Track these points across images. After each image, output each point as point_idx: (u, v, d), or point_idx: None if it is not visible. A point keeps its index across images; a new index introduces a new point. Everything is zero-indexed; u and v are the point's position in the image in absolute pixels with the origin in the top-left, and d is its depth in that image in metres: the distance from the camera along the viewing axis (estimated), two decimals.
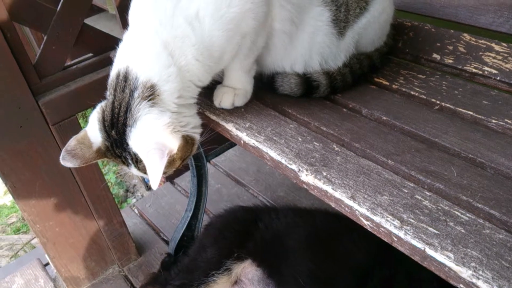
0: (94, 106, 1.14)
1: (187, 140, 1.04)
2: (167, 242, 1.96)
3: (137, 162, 1.05)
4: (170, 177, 2.41)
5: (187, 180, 2.31)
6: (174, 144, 1.00)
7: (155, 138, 0.98)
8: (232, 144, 2.32)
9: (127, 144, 1.04)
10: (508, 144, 1.03)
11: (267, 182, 2.23)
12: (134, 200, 2.81)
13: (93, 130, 1.11)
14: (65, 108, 1.46)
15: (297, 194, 2.12)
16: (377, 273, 1.44)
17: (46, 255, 1.90)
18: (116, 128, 1.04)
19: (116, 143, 1.06)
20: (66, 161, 1.10)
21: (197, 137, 1.09)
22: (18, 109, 1.39)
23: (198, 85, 1.09)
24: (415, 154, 1.02)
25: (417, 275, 1.42)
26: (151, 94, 0.99)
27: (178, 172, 2.36)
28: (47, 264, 1.95)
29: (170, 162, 1.01)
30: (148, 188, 3.25)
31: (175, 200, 2.21)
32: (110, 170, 3.49)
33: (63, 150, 1.10)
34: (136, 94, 1.01)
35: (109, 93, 1.10)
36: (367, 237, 1.56)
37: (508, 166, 0.96)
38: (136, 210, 2.19)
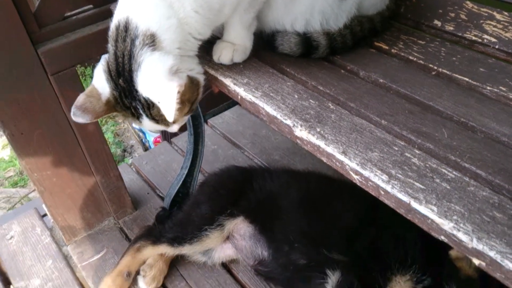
0: (93, 64, 1.15)
1: (192, 81, 1.06)
2: (162, 198, 1.99)
3: (149, 108, 1.07)
4: (167, 137, 2.43)
5: (184, 140, 2.33)
6: (180, 80, 1.01)
7: (161, 74, 1.00)
8: (229, 106, 2.35)
9: (136, 91, 1.06)
10: (501, 110, 1.05)
11: (263, 146, 2.25)
12: (131, 161, 2.83)
13: (100, 82, 1.12)
14: (64, 59, 1.46)
15: (292, 158, 2.15)
16: (364, 233, 1.49)
17: (43, 206, 1.94)
18: (123, 76, 1.06)
19: (125, 92, 1.08)
20: (78, 117, 1.11)
21: (201, 80, 1.11)
22: (17, 58, 1.39)
23: (197, 38, 1.09)
24: (409, 116, 1.04)
25: (401, 236, 1.47)
26: (152, 42, 1.00)
27: (176, 132, 2.37)
28: (44, 215, 1.99)
29: (180, 105, 1.03)
30: (145, 149, 3.28)
31: (172, 159, 2.24)
32: (108, 130, 3.51)
33: (73, 106, 1.12)
34: (137, 42, 1.03)
35: (110, 45, 1.11)
36: (356, 200, 1.61)
37: (498, 131, 0.98)
38: (133, 167, 2.22)
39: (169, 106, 1.00)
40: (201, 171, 1.92)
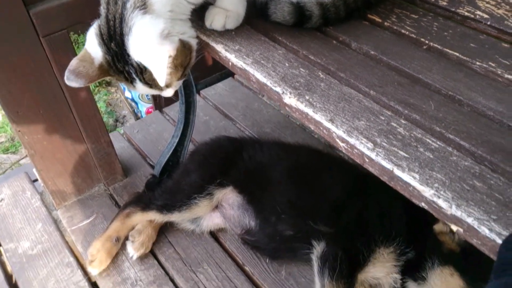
0: (85, 30, 1.15)
1: (184, 45, 1.06)
2: (152, 167, 2.00)
3: (142, 72, 1.07)
4: (159, 106, 2.42)
5: (175, 110, 2.33)
6: (171, 44, 1.01)
7: (152, 38, 1.00)
8: (222, 77, 2.34)
9: (128, 55, 1.06)
10: (489, 85, 1.06)
11: (254, 118, 2.26)
12: (122, 129, 2.82)
13: (92, 46, 1.12)
14: (56, 21, 1.44)
15: (283, 132, 2.16)
16: (350, 206, 1.51)
17: (34, 170, 1.94)
18: (115, 40, 1.06)
19: (118, 57, 1.08)
20: (71, 81, 1.11)
21: (194, 44, 1.11)
22: (8, 18, 1.37)
23: (190, 2, 1.09)
24: (397, 88, 1.05)
25: (386, 209, 1.50)
26: (143, 4, 1.00)
27: (167, 102, 2.37)
28: (35, 180, 1.99)
29: (173, 69, 1.03)
30: (137, 119, 3.27)
31: (163, 128, 2.24)
32: (100, 99, 3.49)
33: (67, 70, 1.12)
34: (128, 5, 1.02)
35: (102, 8, 1.10)
36: (343, 174, 1.64)
37: (484, 105, 0.99)
38: (124, 135, 2.22)
39: (160, 71, 1.00)
40: (192, 141, 1.92)
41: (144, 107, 3.16)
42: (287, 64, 1.10)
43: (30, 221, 1.79)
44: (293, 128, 2.19)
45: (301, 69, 1.08)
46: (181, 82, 1.19)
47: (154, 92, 1.15)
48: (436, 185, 0.78)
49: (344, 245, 1.41)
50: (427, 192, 0.77)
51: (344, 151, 0.92)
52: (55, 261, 1.65)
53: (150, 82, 1.09)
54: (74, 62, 1.12)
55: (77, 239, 1.72)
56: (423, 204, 0.79)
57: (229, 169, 1.67)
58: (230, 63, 1.14)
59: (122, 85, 1.21)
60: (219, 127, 2.21)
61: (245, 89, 2.46)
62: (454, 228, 0.75)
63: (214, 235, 1.73)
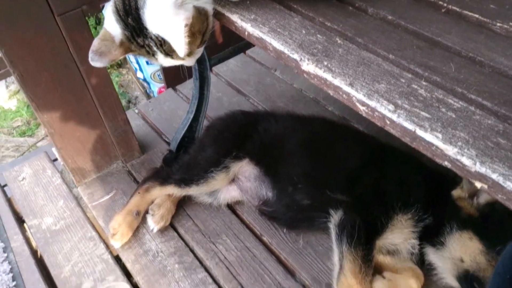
0: (95, 13, 1.15)
1: (199, 11, 1.06)
2: (168, 143, 2.02)
3: (162, 45, 1.08)
4: (172, 83, 2.43)
5: (189, 88, 2.34)
6: (186, 13, 1.02)
7: (167, 9, 1.00)
8: (235, 52, 2.33)
9: (146, 29, 1.06)
10: (510, 46, 1.04)
11: (267, 93, 2.26)
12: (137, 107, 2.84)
13: (111, 25, 1.12)
14: None
15: (296, 105, 2.16)
16: (367, 175, 1.52)
17: (53, 150, 1.98)
18: (131, 14, 1.06)
19: (136, 31, 1.08)
20: (96, 61, 1.12)
21: (209, 9, 1.11)
22: None
23: None
24: (416, 51, 1.04)
25: (404, 177, 1.50)
26: None
27: (180, 79, 2.38)
28: (55, 160, 2.03)
29: (191, 37, 1.03)
30: (149, 99, 3.29)
31: (177, 106, 2.25)
32: (112, 81, 3.51)
33: (90, 51, 1.12)
34: None
35: None
36: (360, 143, 1.64)
37: (506, 65, 0.98)
38: (139, 114, 2.24)
39: (178, 41, 1.01)
40: (206, 118, 1.93)
41: (156, 87, 3.17)
42: (303, 31, 1.09)
43: (52, 198, 1.83)
44: (306, 101, 2.19)
45: (318, 35, 1.08)
46: (201, 49, 1.19)
47: (177, 62, 1.16)
48: (459, 143, 0.78)
49: (362, 213, 1.42)
50: (451, 150, 0.77)
51: (364, 115, 0.92)
52: (78, 235, 1.69)
53: (171, 53, 1.09)
54: (95, 42, 1.13)
55: (98, 215, 1.76)
56: (446, 163, 0.79)
57: (244, 142, 1.68)
58: (246, 33, 1.14)
59: (142, 60, 1.21)
60: (232, 103, 2.21)
61: (257, 64, 2.45)
62: (479, 185, 0.75)
63: (231, 207, 1.75)
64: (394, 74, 0.95)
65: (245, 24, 1.14)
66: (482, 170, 0.74)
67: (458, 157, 0.77)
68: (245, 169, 1.66)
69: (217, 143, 1.71)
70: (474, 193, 1.40)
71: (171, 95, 2.34)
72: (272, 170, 1.61)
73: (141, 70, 3.18)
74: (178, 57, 1.11)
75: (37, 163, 1.98)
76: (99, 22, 3.75)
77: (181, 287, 1.50)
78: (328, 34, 1.09)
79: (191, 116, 1.85)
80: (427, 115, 0.84)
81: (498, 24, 1.11)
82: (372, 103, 0.89)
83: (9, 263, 1.64)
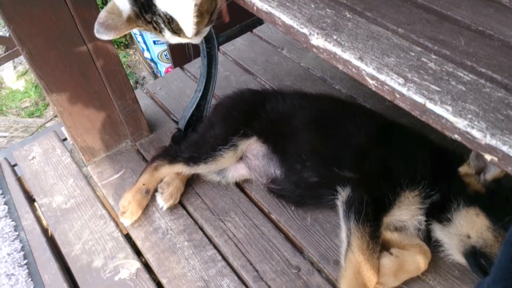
0: None
1: None
2: (176, 122, 2.03)
3: (169, 22, 1.07)
4: (179, 63, 2.42)
5: (196, 67, 2.34)
6: None
7: None
8: (242, 30, 2.32)
9: (155, 6, 1.05)
10: None
11: (274, 72, 2.25)
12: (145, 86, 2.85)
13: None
14: None
15: (303, 84, 2.15)
16: (374, 152, 1.52)
17: (62, 129, 1.99)
18: None
19: (145, 8, 1.08)
20: (101, 34, 1.12)
21: None
22: None
23: None
24: (426, 25, 1.03)
25: (411, 154, 1.50)
26: None
27: (188, 59, 2.37)
28: (64, 139, 2.04)
29: (199, 17, 1.03)
30: (157, 79, 3.29)
31: (185, 85, 2.25)
32: None
33: (96, 23, 1.12)
34: None
35: None
36: (367, 121, 1.64)
37: None
38: (147, 93, 2.25)
39: (186, 21, 1.00)
40: (214, 96, 1.93)
41: (163, 67, 3.17)
42: (312, 6, 1.08)
43: (62, 177, 1.85)
44: (314, 80, 2.18)
45: (327, 9, 1.07)
46: (208, 28, 1.19)
47: (183, 40, 1.15)
48: (469, 116, 0.78)
49: (369, 190, 1.43)
50: (461, 123, 0.77)
51: (374, 89, 0.92)
52: (88, 213, 1.72)
53: (178, 31, 1.09)
54: (102, 14, 1.12)
55: (108, 193, 1.78)
56: (456, 136, 0.79)
57: (252, 120, 1.69)
58: (255, 8, 1.13)
59: (149, 40, 1.20)
60: (240, 82, 2.21)
61: (264, 43, 2.44)
62: (489, 157, 0.76)
63: (239, 185, 1.77)
64: (404, 47, 0.95)
65: None
66: (493, 142, 0.74)
67: (468, 129, 0.76)
68: (253, 147, 1.67)
69: (225, 121, 1.71)
70: (481, 169, 1.40)
71: (178, 74, 2.34)
72: (280, 148, 1.62)
73: (148, 50, 3.17)
74: (185, 35, 1.11)
75: (47, 142, 2.00)
76: (106, 1, 3.75)
77: (190, 264, 1.52)
78: (337, 8, 1.08)
79: (199, 95, 1.85)
80: (437, 88, 0.84)
81: None
82: (382, 77, 0.88)
83: (20, 241, 1.67)
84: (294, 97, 1.74)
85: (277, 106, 1.70)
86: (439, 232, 1.42)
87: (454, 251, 1.40)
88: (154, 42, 3.02)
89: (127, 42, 3.73)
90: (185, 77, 2.31)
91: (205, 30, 1.17)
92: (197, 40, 1.18)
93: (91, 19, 1.54)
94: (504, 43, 0.97)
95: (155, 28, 1.12)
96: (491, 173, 1.36)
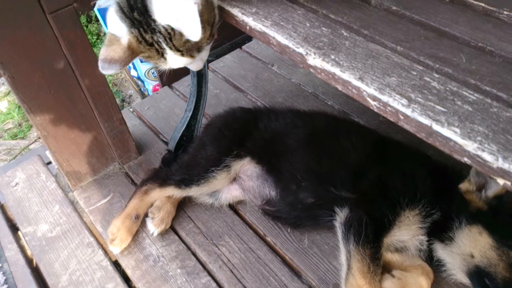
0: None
1: (206, 1, 1.02)
2: (166, 143, 1.97)
3: (171, 38, 1.04)
4: (167, 81, 2.37)
5: (185, 85, 2.29)
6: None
7: None
8: (232, 48, 2.29)
9: (154, 21, 1.02)
10: None
11: (265, 89, 2.22)
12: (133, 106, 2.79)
13: (115, 26, 1.08)
14: None
15: (295, 100, 2.12)
16: (371, 171, 1.49)
17: (47, 153, 1.92)
18: (136, 8, 1.03)
19: (143, 27, 1.04)
20: (106, 69, 1.07)
21: (215, 0, 1.07)
22: None
23: None
24: (425, 42, 1.01)
25: (409, 172, 1.46)
26: None
27: (176, 76, 2.33)
28: (48, 163, 1.97)
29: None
30: (144, 97, 3.23)
31: (174, 104, 2.20)
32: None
33: (99, 60, 1.07)
34: None
35: None
36: (362, 139, 1.60)
37: None
38: (134, 113, 2.19)
39: (192, 21, 0.97)
40: (204, 116, 1.89)
41: (150, 85, 3.11)
42: (308, 24, 1.05)
43: (47, 204, 1.77)
44: (306, 96, 2.15)
45: (323, 28, 1.04)
46: (209, 47, 1.15)
47: (186, 61, 1.11)
48: (479, 138, 0.74)
49: (368, 210, 1.39)
50: (470, 146, 0.74)
51: (376, 110, 0.88)
52: (75, 242, 1.64)
53: (181, 48, 1.05)
54: (103, 50, 1.07)
55: (96, 219, 1.71)
56: (465, 159, 0.75)
57: (245, 140, 1.64)
58: (248, 27, 1.10)
59: (151, 63, 1.16)
60: (230, 100, 2.17)
61: (254, 59, 2.41)
62: (501, 182, 0.72)
63: (233, 207, 1.71)
64: (405, 66, 0.91)
65: (246, 18, 1.09)
66: (505, 166, 0.70)
67: (479, 152, 0.73)
68: (247, 168, 1.62)
69: (217, 141, 1.66)
70: (482, 186, 1.37)
71: (167, 93, 2.29)
72: (274, 168, 1.58)
73: (135, 68, 3.12)
74: (188, 53, 1.07)
75: (31, 167, 1.92)
76: (90, 20, 3.69)
77: None
78: (333, 26, 1.05)
79: (189, 114, 1.80)
80: (442, 109, 0.81)
81: (505, 13, 1.08)
82: (384, 98, 0.85)
83: (4, 273, 1.59)
84: (287, 115, 1.70)
85: (270, 124, 1.66)
86: (441, 251, 1.38)
87: (457, 271, 1.36)
88: (141, 60, 2.97)
89: None
90: (174, 96, 2.26)
91: (207, 49, 1.13)
92: (198, 62, 1.15)
93: (76, 40, 1.49)
94: (506, 59, 0.95)
95: (157, 51, 1.08)
96: (493, 190, 1.33)
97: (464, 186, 1.39)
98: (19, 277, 1.57)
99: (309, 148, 1.57)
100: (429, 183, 1.42)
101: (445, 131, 0.77)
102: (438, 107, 0.81)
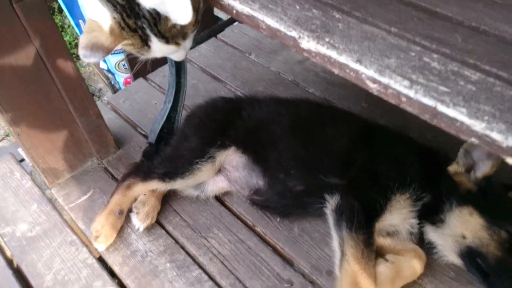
0: None
1: None
2: (145, 136, 1.91)
3: (156, 23, 0.99)
4: (138, 73, 2.29)
5: (161, 76, 2.22)
6: None
7: None
8: (209, 36, 2.23)
9: (138, 5, 0.96)
10: (510, 13, 1.00)
11: (244, 78, 2.17)
12: (107, 99, 2.69)
13: (96, 11, 1.00)
14: None
15: (276, 89, 2.09)
16: (360, 156, 1.47)
17: (19, 150, 1.83)
18: None
19: (126, 11, 0.98)
20: (88, 57, 0.99)
21: None
22: None
23: None
24: (418, 23, 0.98)
25: (398, 157, 1.46)
26: None
27: (151, 67, 2.25)
28: (22, 160, 1.88)
29: None
30: (115, 91, 3.13)
31: (150, 96, 2.13)
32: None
33: (79, 48, 0.99)
34: None
35: None
36: (348, 125, 1.59)
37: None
38: (109, 106, 2.11)
39: (181, 2, 0.92)
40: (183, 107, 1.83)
41: (121, 77, 3.02)
42: (297, 7, 1.01)
43: (24, 203, 1.69)
44: (286, 84, 2.12)
45: (314, 10, 1.00)
46: (193, 35, 1.10)
47: (171, 49, 1.06)
48: (486, 117, 0.73)
49: (359, 196, 1.38)
50: (478, 126, 0.72)
51: (375, 93, 0.86)
52: (57, 240, 1.57)
53: (167, 34, 1.00)
54: (83, 38, 0.99)
55: (77, 217, 1.64)
56: (473, 139, 0.74)
57: (228, 130, 1.60)
58: (234, 11, 1.05)
59: (134, 53, 1.09)
60: (209, 90, 2.12)
61: (230, 48, 2.36)
62: (511, 161, 0.71)
63: (219, 199, 1.68)
64: (402, 47, 0.89)
65: (232, 1, 1.04)
66: None
67: (487, 132, 0.71)
68: (232, 158, 1.59)
69: (200, 132, 1.62)
70: (471, 167, 1.38)
71: (142, 84, 2.21)
72: (261, 157, 1.54)
73: (104, 60, 3.01)
74: (173, 40, 1.01)
75: (3, 166, 1.82)
76: (53, 12, 3.55)
77: (175, 287, 1.41)
78: (323, 8, 1.01)
79: (169, 106, 1.74)
80: (445, 89, 0.79)
81: None
82: (385, 80, 0.82)
83: None
84: (270, 103, 1.66)
85: (253, 113, 1.63)
86: (432, 234, 1.39)
87: (449, 252, 1.37)
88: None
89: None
90: (149, 88, 2.18)
91: (191, 36, 1.08)
92: (182, 51, 1.10)
93: (46, 31, 1.41)
94: (500, 38, 0.94)
95: (141, 37, 1.02)
96: (481, 171, 1.34)
97: (453, 168, 1.39)
98: (1, 280, 1.49)
99: (295, 135, 1.55)
100: (418, 167, 1.42)
101: (451, 112, 0.75)
102: (441, 87, 0.79)
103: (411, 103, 0.80)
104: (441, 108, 0.76)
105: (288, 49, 2.29)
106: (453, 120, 0.75)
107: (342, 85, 2.01)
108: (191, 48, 2.15)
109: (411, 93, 0.80)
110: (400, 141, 1.53)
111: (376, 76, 0.84)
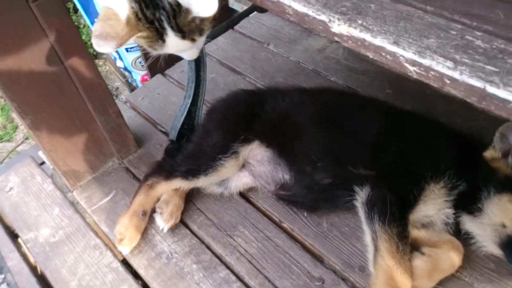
0: None
1: None
2: (165, 134, 1.88)
3: (175, 16, 0.94)
4: (155, 70, 2.26)
5: (179, 71, 2.18)
6: None
7: None
8: (226, 28, 2.18)
9: None
10: None
11: (264, 69, 2.12)
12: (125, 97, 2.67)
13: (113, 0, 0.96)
14: None
15: (296, 79, 2.03)
16: (390, 145, 1.41)
17: (40, 153, 1.81)
18: None
19: (146, 1, 0.94)
20: (101, 46, 0.95)
21: None
22: None
23: None
24: (455, 0, 0.92)
25: (431, 144, 1.40)
26: None
27: (168, 63, 2.21)
28: (42, 163, 1.86)
29: None
30: (132, 89, 3.11)
31: (169, 92, 2.09)
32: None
33: (93, 36, 0.95)
34: None
35: None
36: (377, 112, 1.52)
37: None
38: (128, 104, 2.08)
39: None
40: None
41: (138, 75, 2.99)
42: None
43: (46, 207, 1.67)
44: (307, 73, 2.06)
45: None
46: (208, 32, 1.06)
47: (186, 45, 1.02)
48: None
49: (391, 187, 1.32)
50: None
51: (415, 76, 0.80)
52: (80, 245, 1.55)
53: (185, 28, 0.95)
54: (97, 26, 0.96)
55: (100, 219, 1.61)
56: None
57: (252, 124, 1.55)
58: None
59: (145, 46, 1.05)
60: (228, 83, 2.07)
61: (248, 39, 2.30)
62: None
63: (244, 195, 1.63)
64: (441, 26, 0.83)
65: None
66: None
67: None
68: (256, 153, 1.54)
69: (222, 127, 1.57)
70: (507, 152, 1.31)
71: (160, 81, 2.17)
72: (286, 151, 1.49)
73: (120, 58, 2.99)
74: (189, 36, 0.97)
75: (24, 170, 1.80)
76: (68, 12, 3.53)
77: None
78: None
79: (189, 101, 1.69)
80: (494, 68, 0.72)
81: None
82: (426, 61, 0.76)
83: (8, 284, 1.50)
84: (294, 94, 1.61)
85: (276, 105, 1.57)
86: (469, 224, 1.32)
87: (488, 242, 1.30)
88: (127, 50, 2.84)
89: (95, 53, 3.52)
90: (168, 84, 2.15)
91: (206, 34, 1.03)
92: (194, 52, 1.05)
93: (63, 29, 1.38)
94: None
95: (157, 30, 0.98)
96: None
97: (489, 153, 1.32)
98: (25, 287, 1.47)
99: (321, 126, 1.49)
100: (452, 153, 1.36)
101: (502, 93, 0.69)
102: (489, 67, 0.73)
103: (456, 85, 0.74)
104: (491, 89, 0.70)
105: (307, 37, 2.24)
106: (505, 102, 0.69)
107: (365, 71, 1.94)
108: (207, 42, 2.12)
109: (456, 75, 0.73)
110: (431, 127, 1.46)
111: (416, 58, 0.78)
